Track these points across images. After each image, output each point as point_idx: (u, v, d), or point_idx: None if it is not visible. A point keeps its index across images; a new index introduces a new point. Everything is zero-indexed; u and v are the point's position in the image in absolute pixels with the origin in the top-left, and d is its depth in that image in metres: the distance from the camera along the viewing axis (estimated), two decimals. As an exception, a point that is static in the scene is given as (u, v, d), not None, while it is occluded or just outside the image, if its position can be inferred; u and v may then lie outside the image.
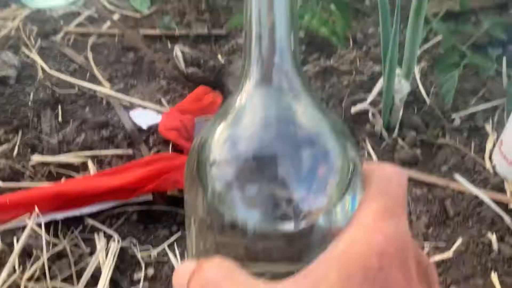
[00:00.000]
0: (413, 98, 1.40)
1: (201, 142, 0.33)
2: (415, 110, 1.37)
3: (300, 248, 0.30)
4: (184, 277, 0.28)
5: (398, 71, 1.24)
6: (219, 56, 1.76)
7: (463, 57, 1.35)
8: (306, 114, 0.31)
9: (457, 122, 1.37)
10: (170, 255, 1.13)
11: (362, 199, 0.29)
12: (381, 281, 0.23)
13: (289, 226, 0.29)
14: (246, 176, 0.30)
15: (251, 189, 0.29)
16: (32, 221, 1.11)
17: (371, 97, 1.40)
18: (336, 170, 0.30)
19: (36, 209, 1.11)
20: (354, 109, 1.39)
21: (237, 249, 0.30)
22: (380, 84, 1.40)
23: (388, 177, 0.29)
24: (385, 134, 1.28)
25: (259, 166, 0.29)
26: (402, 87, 1.25)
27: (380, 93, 1.34)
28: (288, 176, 0.29)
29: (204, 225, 0.32)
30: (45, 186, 1.23)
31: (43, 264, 1.06)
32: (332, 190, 0.30)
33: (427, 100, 1.40)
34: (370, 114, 1.33)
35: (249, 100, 0.31)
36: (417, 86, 1.43)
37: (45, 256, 1.05)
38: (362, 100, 1.42)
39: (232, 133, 0.31)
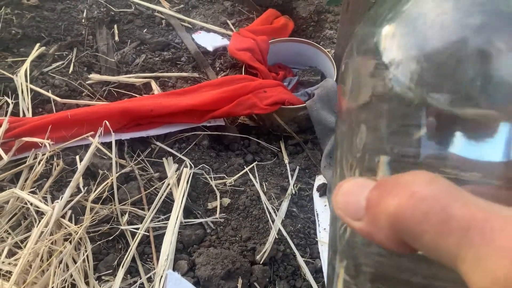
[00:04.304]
0: None
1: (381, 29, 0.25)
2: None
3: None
4: (359, 192, 0.21)
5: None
6: (288, -21, 1.59)
7: None
8: None
9: None
10: (253, 180, 1.00)
11: None
12: None
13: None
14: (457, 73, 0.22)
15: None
16: (97, 139, 1.00)
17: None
18: None
19: (109, 123, 0.99)
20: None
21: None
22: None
23: None
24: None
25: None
26: None
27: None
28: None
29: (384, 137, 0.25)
30: (109, 103, 1.10)
31: (110, 186, 0.94)
32: None
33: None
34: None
35: None
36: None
37: (114, 176, 0.93)
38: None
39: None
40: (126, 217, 0.91)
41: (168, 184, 0.98)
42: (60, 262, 0.84)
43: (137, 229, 0.90)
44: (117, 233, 0.89)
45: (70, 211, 0.90)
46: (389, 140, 0.25)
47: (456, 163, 0.23)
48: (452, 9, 0.23)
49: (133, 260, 0.88)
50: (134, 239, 0.89)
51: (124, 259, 0.86)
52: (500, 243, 0.16)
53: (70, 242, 0.86)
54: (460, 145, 0.22)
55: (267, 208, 0.95)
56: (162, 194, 0.96)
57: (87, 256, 0.85)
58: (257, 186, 0.98)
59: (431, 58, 0.22)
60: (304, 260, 0.90)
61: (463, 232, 0.17)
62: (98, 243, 0.88)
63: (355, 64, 0.27)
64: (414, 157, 0.24)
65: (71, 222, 0.90)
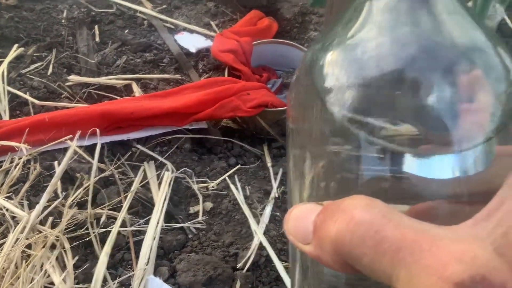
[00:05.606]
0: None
1: (320, 57, 0.26)
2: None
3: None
4: (307, 218, 0.23)
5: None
6: (272, -20, 1.58)
7: None
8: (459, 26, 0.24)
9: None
10: (232, 187, 0.99)
11: None
12: None
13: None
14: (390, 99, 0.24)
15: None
16: (75, 143, 0.97)
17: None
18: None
19: (89, 127, 0.97)
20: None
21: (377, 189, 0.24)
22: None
23: None
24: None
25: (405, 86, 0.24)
26: (496, 12, 1.09)
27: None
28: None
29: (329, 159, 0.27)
30: (89, 105, 1.08)
31: (88, 190, 0.92)
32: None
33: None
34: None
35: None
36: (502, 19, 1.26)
37: (92, 180, 0.91)
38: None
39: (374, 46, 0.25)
40: (102, 220, 0.89)
41: (141, 182, 0.96)
42: (36, 266, 0.81)
43: (109, 232, 0.87)
44: (90, 237, 0.87)
45: (47, 217, 0.88)
46: (332, 164, 0.26)
47: (397, 184, 0.24)
48: (389, 41, 0.24)
49: (113, 266, 0.86)
50: (107, 241, 0.86)
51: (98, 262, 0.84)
52: (427, 262, 0.18)
53: (45, 246, 0.84)
54: (401, 166, 0.24)
55: (249, 215, 0.93)
56: (142, 199, 0.94)
57: (65, 254, 0.82)
58: (237, 194, 0.96)
59: (367, 86, 0.24)
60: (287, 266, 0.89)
61: (395, 252, 0.18)
62: (75, 247, 0.85)
63: (304, 82, 0.28)
64: (355, 180, 0.25)
65: (48, 228, 0.87)
